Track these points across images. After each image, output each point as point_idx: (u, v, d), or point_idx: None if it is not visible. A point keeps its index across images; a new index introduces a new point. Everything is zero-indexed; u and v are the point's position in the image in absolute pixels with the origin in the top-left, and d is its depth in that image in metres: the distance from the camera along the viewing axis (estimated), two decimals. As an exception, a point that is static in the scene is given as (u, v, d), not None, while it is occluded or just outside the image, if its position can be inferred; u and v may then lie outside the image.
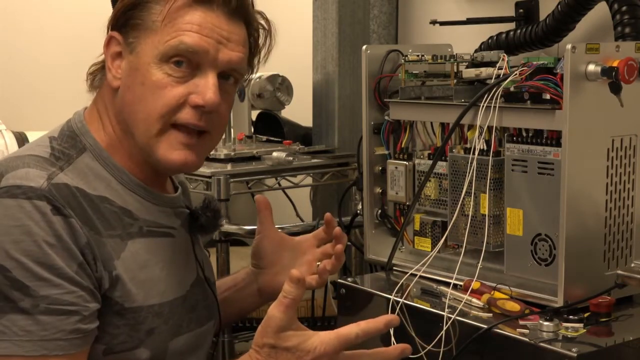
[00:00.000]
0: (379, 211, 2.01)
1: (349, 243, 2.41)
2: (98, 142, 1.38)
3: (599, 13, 2.09)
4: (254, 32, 1.43)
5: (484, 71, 1.80)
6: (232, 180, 2.43)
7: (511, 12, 2.34)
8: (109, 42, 1.37)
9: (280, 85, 2.91)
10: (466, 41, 2.20)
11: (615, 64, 1.59)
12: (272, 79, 2.89)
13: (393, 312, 1.71)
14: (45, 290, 1.23)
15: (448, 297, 1.69)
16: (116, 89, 1.37)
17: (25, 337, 1.22)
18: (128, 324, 1.33)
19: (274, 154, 2.59)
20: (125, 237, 1.35)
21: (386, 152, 1.98)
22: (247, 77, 1.47)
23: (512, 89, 1.69)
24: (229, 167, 2.56)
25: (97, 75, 1.42)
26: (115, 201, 1.36)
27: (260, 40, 1.44)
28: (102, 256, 1.30)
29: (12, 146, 2.79)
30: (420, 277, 1.81)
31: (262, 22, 1.44)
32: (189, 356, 1.45)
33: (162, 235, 1.42)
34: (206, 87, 1.34)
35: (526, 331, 1.53)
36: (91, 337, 1.29)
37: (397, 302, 1.72)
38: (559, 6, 2.08)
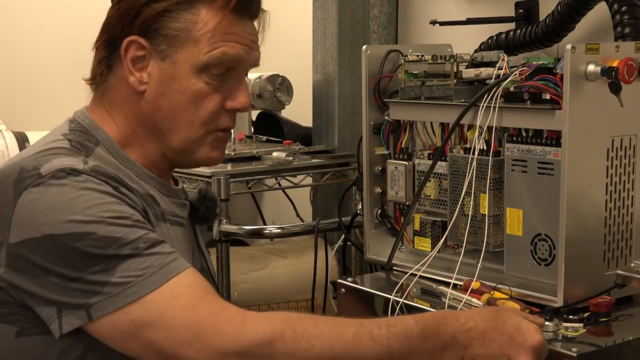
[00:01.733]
0: (379, 211, 2.01)
1: (349, 243, 2.41)
2: (110, 137, 1.39)
3: (599, 13, 2.08)
4: (259, 27, 1.45)
5: (484, 71, 1.80)
6: (232, 180, 2.43)
7: (511, 12, 2.34)
8: (128, 46, 1.36)
9: (280, 85, 2.91)
10: (466, 41, 2.20)
11: (615, 64, 1.59)
12: (272, 79, 2.89)
13: (393, 312, 1.71)
14: (134, 234, 1.24)
15: (448, 297, 1.69)
16: (141, 92, 1.37)
17: (147, 273, 1.21)
18: None
19: (274, 154, 2.59)
20: (157, 218, 1.37)
21: (386, 152, 1.98)
22: None
23: (512, 89, 1.69)
24: (229, 167, 2.56)
25: (103, 76, 1.41)
26: (138, 189, 1.37)
27: (260, 35, 1.46)
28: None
29: (12, 146, 2.78)
30: (420, 277, 1.81)
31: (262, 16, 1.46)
32: None
33: (177, 224, 1.45)
34: (239, 91, 1.40)
35: (526, 331, 1.53)
36: None
37: (397, 302, 1.72)
38: (559, 6, 2.08)
